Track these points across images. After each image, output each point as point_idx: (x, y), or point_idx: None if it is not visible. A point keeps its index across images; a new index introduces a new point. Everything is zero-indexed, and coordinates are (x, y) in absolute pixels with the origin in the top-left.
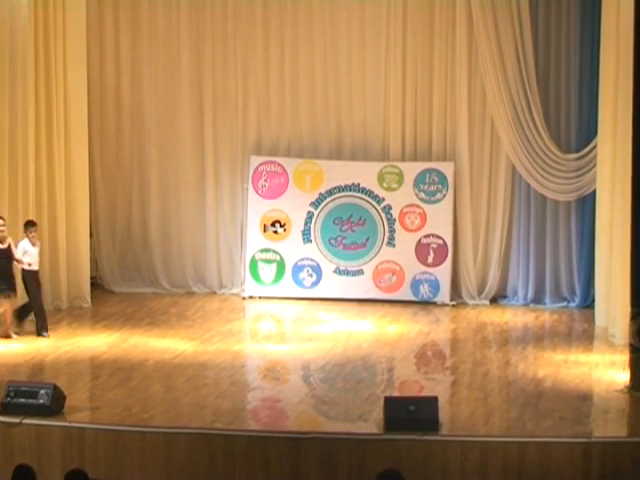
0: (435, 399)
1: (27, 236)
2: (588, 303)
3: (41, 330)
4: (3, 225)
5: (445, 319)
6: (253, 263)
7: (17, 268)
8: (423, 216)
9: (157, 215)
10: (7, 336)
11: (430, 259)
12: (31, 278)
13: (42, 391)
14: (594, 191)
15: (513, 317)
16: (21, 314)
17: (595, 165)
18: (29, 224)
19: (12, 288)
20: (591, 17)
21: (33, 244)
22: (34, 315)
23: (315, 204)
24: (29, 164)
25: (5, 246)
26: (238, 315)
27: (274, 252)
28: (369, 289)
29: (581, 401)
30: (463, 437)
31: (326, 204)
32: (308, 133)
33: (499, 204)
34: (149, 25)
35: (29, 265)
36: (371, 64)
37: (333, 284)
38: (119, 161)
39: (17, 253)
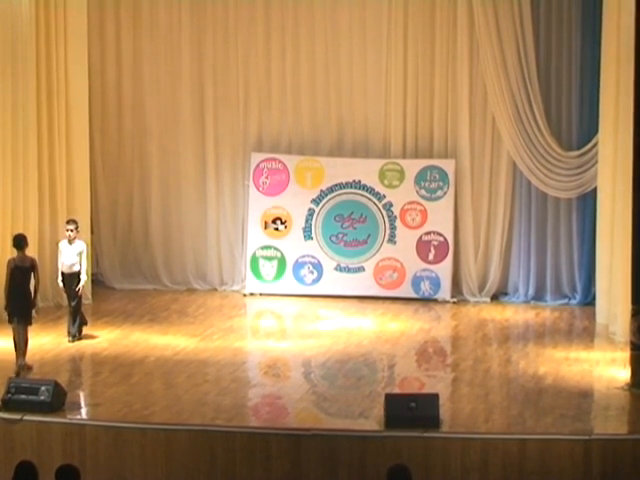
0: (436, 396)
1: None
2: (589, 300)
3: (73, 334)
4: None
5: (446, 316)
6: (254, 260)
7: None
8: (424, 213)
9: (158, 212)
10: (20, 371)
11: (431, 256)
12: (64, 280)
13: (43, 388)
14: (595, 188)
15: (514, 314)
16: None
17: (596, 162)
18: (66, 222)
19: (25, 315)
20: (592, 14)
21: (69, 243)
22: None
23: (316, 201)
24: (30, 161)
25: (27, 265)
26: (239, 312)
27: (275, 249)
28: (370, 286)
29: (582, 398)
30: (464, 434)
31: (327, 201)
32: (309, 130)
33: (500, 201)
34: (150, 22)
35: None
36: (372, 61)
37: (334, 281)
38: (120, 158)
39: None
